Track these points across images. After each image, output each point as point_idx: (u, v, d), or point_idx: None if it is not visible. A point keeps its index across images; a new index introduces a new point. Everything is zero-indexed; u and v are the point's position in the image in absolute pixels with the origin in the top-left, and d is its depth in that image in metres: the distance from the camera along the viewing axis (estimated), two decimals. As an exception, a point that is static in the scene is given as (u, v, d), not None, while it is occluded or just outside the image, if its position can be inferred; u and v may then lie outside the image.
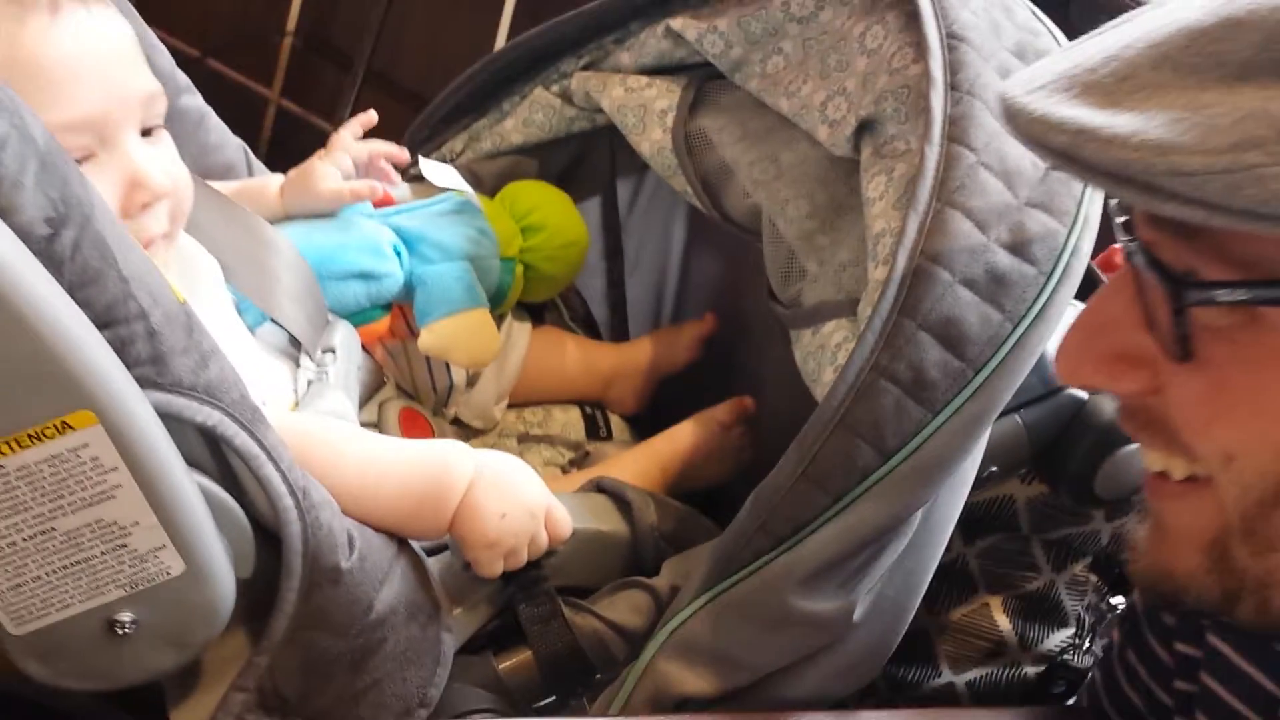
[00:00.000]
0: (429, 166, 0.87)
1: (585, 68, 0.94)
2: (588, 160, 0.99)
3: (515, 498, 0.60)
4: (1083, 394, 0.67)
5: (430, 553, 0.64)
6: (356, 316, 0.77)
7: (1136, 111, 0.38)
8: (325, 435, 0.61)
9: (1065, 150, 0.40)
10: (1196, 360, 0.43)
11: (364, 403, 0.82)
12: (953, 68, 0.65)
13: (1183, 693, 0.62)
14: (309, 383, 0.71)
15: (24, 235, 0.43)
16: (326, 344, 0.74)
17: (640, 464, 0.81)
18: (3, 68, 0.54)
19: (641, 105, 0.89)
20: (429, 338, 0.78)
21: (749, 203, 0.82)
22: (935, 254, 0.59)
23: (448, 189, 0.86)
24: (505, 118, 0.96)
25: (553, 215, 0.90)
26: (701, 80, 0.89)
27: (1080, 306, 0.68)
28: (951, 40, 0.66)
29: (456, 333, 0.78)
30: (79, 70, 0.57)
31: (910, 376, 0.58)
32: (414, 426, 0.80)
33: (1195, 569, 0.46)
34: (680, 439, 0.84)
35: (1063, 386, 0.67)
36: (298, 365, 0.71)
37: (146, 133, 0.61)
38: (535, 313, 0.97)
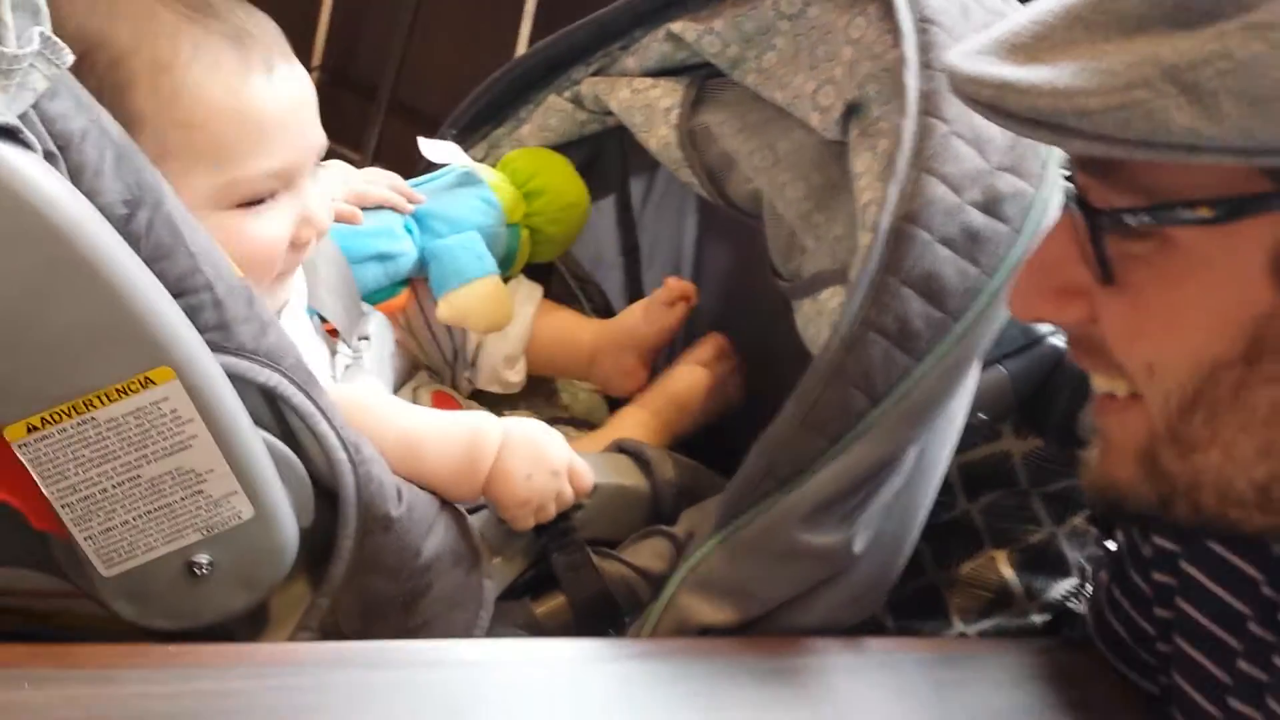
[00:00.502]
0: (428, 146, 0.91)
1: (595, 74, 1.00)
2: (601, 160, 1.06)
3: (540, 459, 0.66)
4: (1062, 344, 0.73)
5: (470, 511, 0.70)
6: (376, 295, 0.83)
7: (1049, 65, 0.44)
8: (371, 405, 0.67)
9: (991, 102, 0.46)
10: (1121, 285, 0.49)
11: (398, 389, 0.89)
12: (925, 48, 0.70)
13: (1162, 619, 0.68)
14: (345, 368, 0.78)
15: (106, 215, 0.50)
16: (362, 333, 0.81)
17: (639, 417, 0.87)
18: (222, 114, 0.62)
19: (648, 105, 0.95)
20: (446, 309, 0.84)
21: (750, 188, 0.88)
22: (915, 216, 0.65)
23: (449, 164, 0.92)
24: (522, 124, 1.03)
25: (553, 179, 0.95)
26: (702, 79, 0.95)
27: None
28: (923, 24, 0.72)
29: (471, 301, 0.84)
30: (286, 124, 0.65)
31: (896, 328, 0.64)
32: (445, 408, 0.86)
33: (1132, 477, 0.52)
34: (670, 387, 0.90)
35: (1043, 337, 0.73)
36: (334, 353, 0.78)
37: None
38: (554, 301, 1.03)
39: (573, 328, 0.98)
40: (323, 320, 0.79)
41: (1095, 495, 0.55)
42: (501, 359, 0.94)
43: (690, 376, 0.91)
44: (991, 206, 0.66)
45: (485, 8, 2.48)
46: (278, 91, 0.65)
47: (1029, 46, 0.46)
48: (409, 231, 0.85)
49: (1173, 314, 0.48)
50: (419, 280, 0.90)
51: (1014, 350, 0.72)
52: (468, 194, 0.89)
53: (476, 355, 0.94)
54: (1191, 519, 0.51)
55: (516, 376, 0.95)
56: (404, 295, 0.87)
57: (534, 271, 1.04)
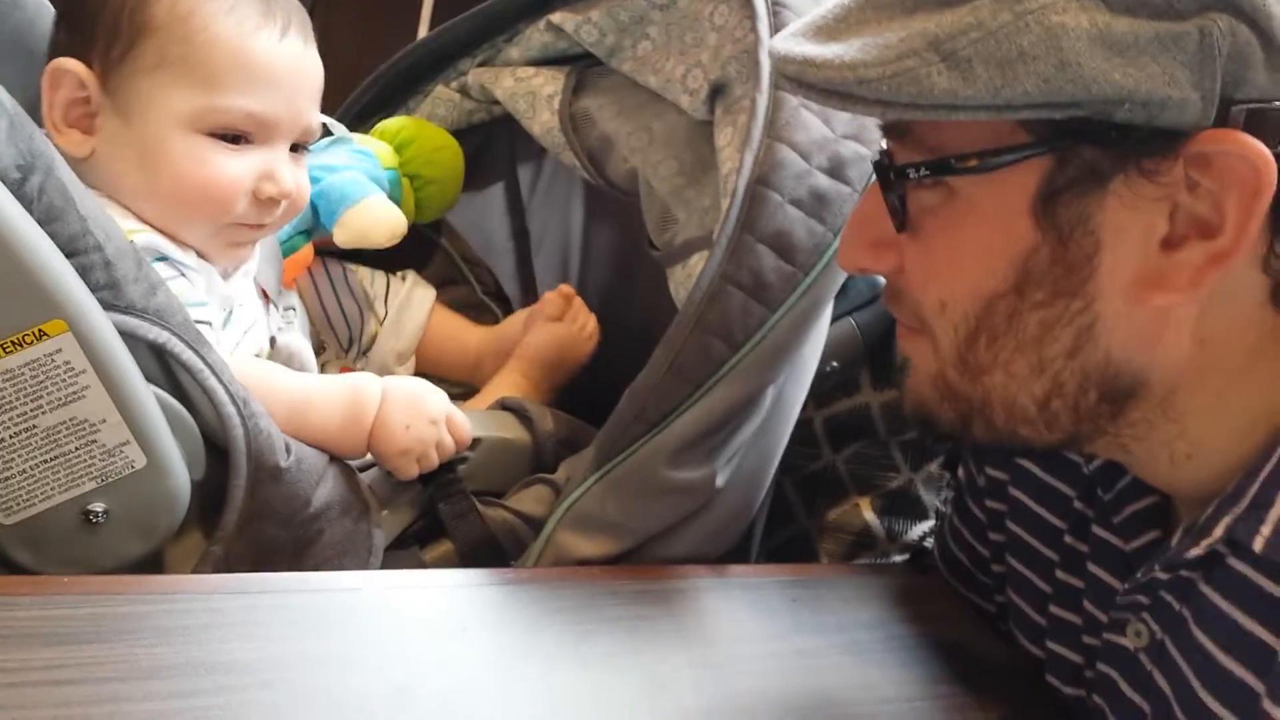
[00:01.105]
0: None
1: (480, 65, 1.05)
2: (489, 149, 1.10)
3: (418, 410, 0.71)
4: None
5: (361, 470, 0.74)
6: (284, 246, 0.87)
7: (842, 42, 0.50)
8: (258, 372, 0.71)
9: (796, 76, 0.52)
10: (916, 233, 0.56)
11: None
12: (777, 29, 0.77)
13: (996, 543, 0.74)
14: (279, 329, 0.82)
15: (1, 179, 0.53)
16: (288, 303, 0.85)
17: (509, 380, 0.92)
18: (223, 45, 0.69)
19: (530, 93, 1.00)
20: (341, 232, 0.87)
21: (628, 168, 0.93)
22: (767, 180, 0.71)
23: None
24: (411, 114, 1.07)
25: (418, 130, 0.99)
26: (582, 68, 1.00)
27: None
28: (776, 6, 0.78)
29: (364, 217, 0.87)
30: (278, 79, 0.72)
31: (752, 281, 0.69)
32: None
33: (932, 399, 0.58)
34: (530, 348, 0.95)
35: (888, 291, 0.79)
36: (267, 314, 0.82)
37: (295, 149, 0.76)
38: (446, 284, 1.07)
39: (461, 333, 1.03)
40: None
41: (911, 415, 0.61)
42: (393, 355, 0.99)
43: (545, 333, 0.97)
44: (836, 170, 0.72)
45: (382, 13, 2.51)
46: (281, 50, 0.72)
47: (830, 28, 0.52)
48: None
49: (956, 255, 0.54)
50: (315, 261, 0.94)
51: (861, 304, 0.79)
52: (339, 149, 0.94)
53: (370, 347, 0.98)
54: (989, 437, 0.57)
55: (405, 373, 0.99)
56: (308, 250, 0.90)
57: (431, 256, 1.09)
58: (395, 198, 0.96)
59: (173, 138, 0.69)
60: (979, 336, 0.54)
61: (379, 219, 0.89)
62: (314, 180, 0.89)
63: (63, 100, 0.70)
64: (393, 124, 1.01)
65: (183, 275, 0.70)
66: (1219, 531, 0.52)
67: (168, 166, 0.70)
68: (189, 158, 0.70)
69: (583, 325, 0.98)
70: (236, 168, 0.72)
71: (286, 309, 0.85)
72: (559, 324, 0.97)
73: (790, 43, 0.53)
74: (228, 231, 0.74)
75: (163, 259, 0.70)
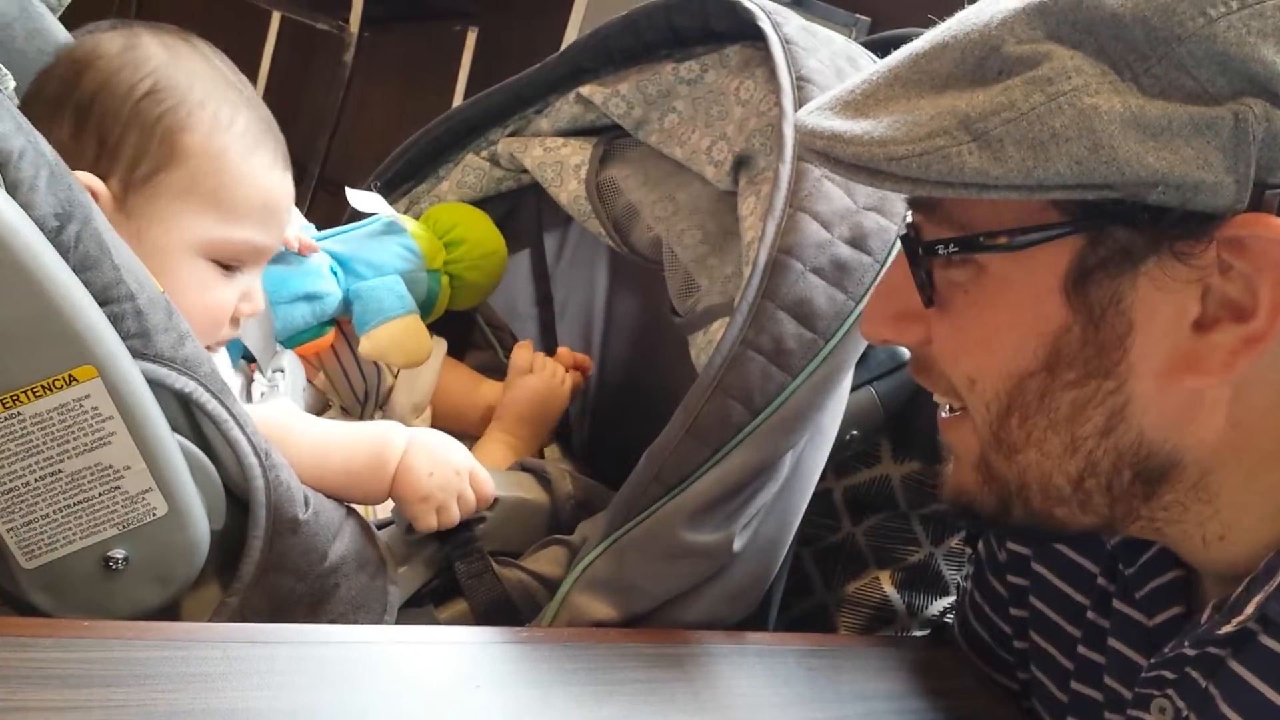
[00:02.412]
0: (355, 195, 0.98)
1: (510, 135, 1.08)
2: (516, 216, 1.12)
3: (442, 460, 0.71)
4: (926, 366, 0.80)
5: (379, 528, 0.74)
6: (303, 334, 0.88)
7: (871, 119, 0.51)
8: (281, 420, 0.72)
9: (824, 151, 0.52)
10: (944, 308, 0.56)
11: (312, 418, 0.93)
12: (801, 104, 0.78)
13: (1018, 618, 0.74)
14: (261, 394, 0.82)
15: (39, 227, 0.54)
16: (276, 365, 0.86)
17: (499, 440, 0.94)
18: (248, 181, 0.72)
19: (559, 162, 1.02)
20: (368, 344, 0.89)
21: (652, 236, 0.95)
22: (789, 249, 0.72)
23: (374, 213, 0.98)
24: (441, 181, 1.09)
25: (472, 229, 1.01)
26: (609, 139, 1.03)
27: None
28: (801, 82, 0.80)
29: (392, 337, 0.89)
30: (280, 214, 0.76)
31: (772, 347, 0.70)
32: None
33: (973, 483, 0.58)
34: (511, 406, 0.97)
35: (908, 360, 0.79)
36: (250, 381, 0.83)
37: None
38: (468, 348, 1.09)
39: (472, 385, 1.04)
40: (243, 356, 0.84)
41: (951, 504, 0.61)
42: (410, 407, 1.00)
43: (521, 389, 0.98)
44: (858, 241, 0.73)
45: (418, 84, 2.57)
46: (284, 186, 0.76)
47: (858, 103, 0.53)
48: (334, 275, 0.91)
49: (986, 332, 0.54)
50: (344, 319, 0.95)
51: (882, 373, 0.79)
52: (390, 241, 0.95)
53: (387, 399, 0.99)
54: (1028, 520, 0.57)
55: (422, 425, 1.00)
56: (330, 335, 0.92)
57: (455, 320, 1.10)
58: (434, 294, 0.98)
59: (183, 261, 0.71)
60: (1011, 414, 0.54)
61: (404, 345, 0.91)
62: (358, 275, 0.91)
63: None
64: (447, 215, 1.02)
65: None
66: (1251, 609, 0.51)
67: (173, 287, 0.67)
68: (193, 282, 0.71)
69: (553, 373, 0.99)
70: (228, 294, 0.74)
71: (275, 371, 0.85)
72: (531, 377, 0.98)
73: (817, 117, 0.54)
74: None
75: None
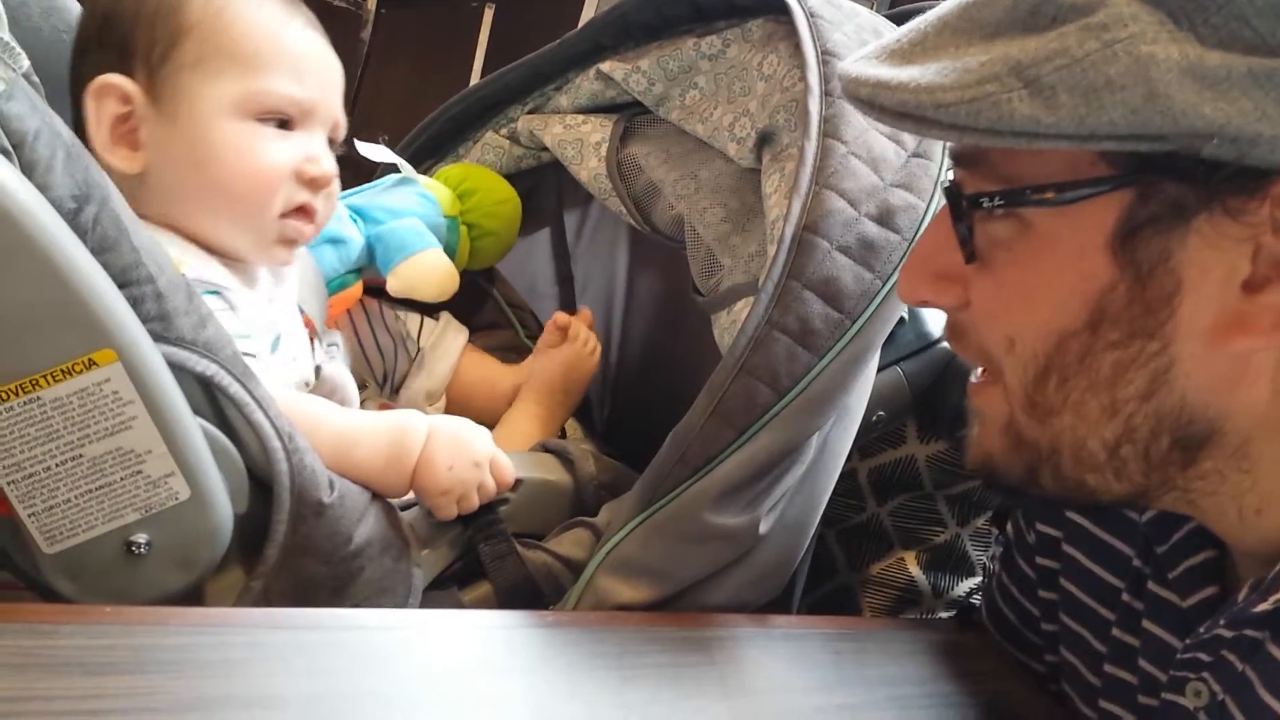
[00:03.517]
0: (366, 148, 0.97)
1: (530, 112, 1.06)
2: (536, 195, 1.11)
3: (462, 451, 0.70)
4: (954, 346, 0.79)
5: (402, 509, 0.73)
6: (333, 283, 0.88)
7: (919, 66, 0.50)
8: (304, 407, 0.71)
9: (869, 99, 0.51)
10: (985, 266, 0.54)
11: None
12: (827, 78, 0.77)
13: (1047, 600, 0.73)
14: (324, 360, 0.83)
15: (56, 209, 0.54)
16: (330, 340, 0.86)
17: (527, 410, 0.94)
18: (262, 33, 0.72)
19: (579, 139, 1.01)
20: (395, 281, 0.89)
21: (673, 214, 0.94)
22: (815, 227, 0.71)
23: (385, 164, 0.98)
24: (461, 159, 1.08)
25: (482, 180, 1.01)
26: (630, 116, 1.01)
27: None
28: (826, 56, 0.78)
29: (418, 271, 0.89)
30: (315, 66, 0.75)
31: (798, 327, 0.69)
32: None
33: (1001, 448, 0.57)
34: (540, 376, 0.97)
35: (936, 340, 0.78)
36: (314, 337, 0.84)
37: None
38: (488, 327, 1.08)
39: (493, 374, 1.03)
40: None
41: (976, 469, 0.60)
42: (424, 395, 0.99)
43: (549, 359, 0.98)
44: (885, 218, 0.72)
45: (435, 62, 2.56)
46: (312, 40, 0.75)
47: (905, 51, 0.52)
48: (354, 222, 0.91)
49: (1028, 290, 0.53)
50: (367, 298, 0.95)
51: (909, 353, 0.78)
52: (405, 191, 0.96)
53: (401, 385, 0.99)
54: (1056, 488, 0.55)
55: (435, 413, 0.99)
56: (357, 288, 0.91)
57: (476, 299, 1.09)
58: (452, 244, 0.97)
59: (220, 126, 0.71)
60: (1049, 376, 0.53)
61: (432, 275, 0.91)
62: (376, 221, 0.91)
63: (108, 117, 0.71)
64: (456, 171, 1.02)
65: (231, 309, 0.71)
66: None
67: (217, 155, 0.71)
68: (236, 144, 0.71)
69: (584, 342, 0.99)
70: (280, 151, 0.73)
71: (330, 345, 0.85)
72: (561, 347, 0.98)
73: (862, 65, 0.53)
74: (277, 226, 0.75)
75: (214, 293, 0.70)
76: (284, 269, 0.81)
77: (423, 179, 0.98)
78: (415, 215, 0.92)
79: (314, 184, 0.75)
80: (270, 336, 0.76)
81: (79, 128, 0.73)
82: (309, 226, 0.77)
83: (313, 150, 0.75)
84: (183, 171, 0.72)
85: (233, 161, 0.71)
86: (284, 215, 0.74)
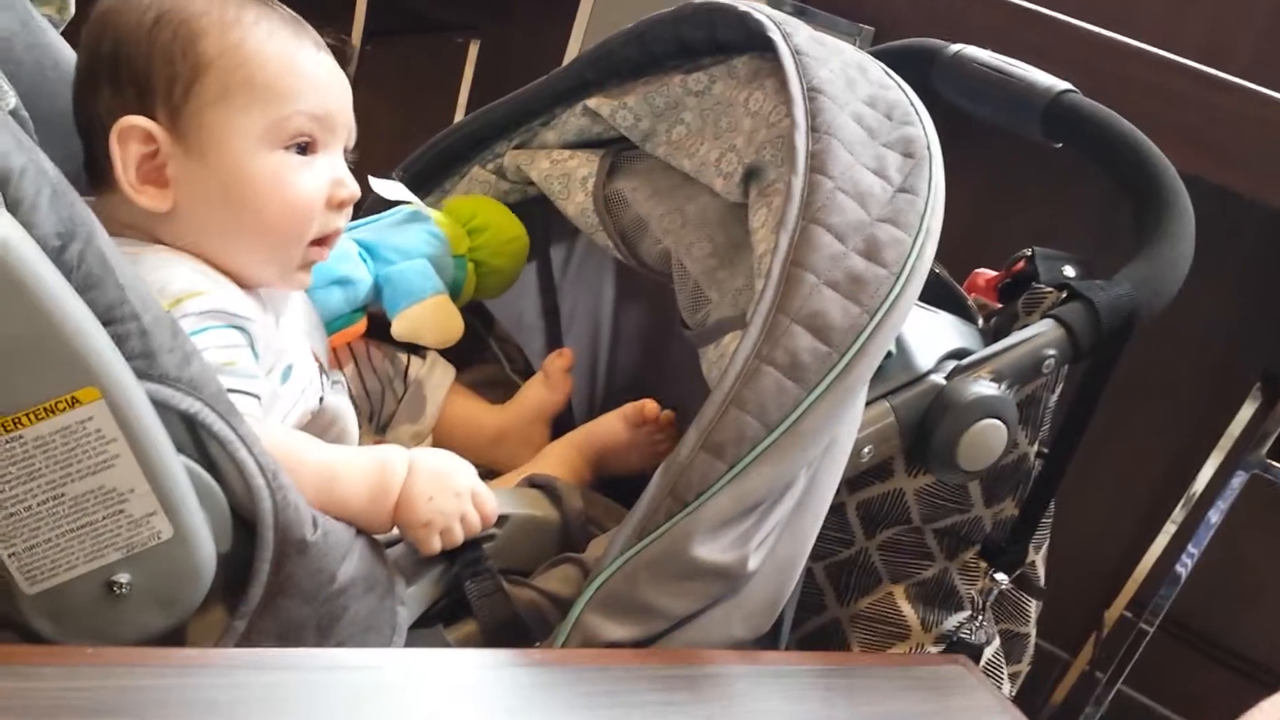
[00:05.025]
0: (378, 184, 0.98)
1: (516, 147, 1.07)
2: (523, 229, 1.11)
3: (442, 482, 0.70)
4: (941, 380, 0.79)
5: (387, 546, 0.73)
6: (339, 321, 0.88)
7: None
8: (287, 444, 0.70)
9: None
10: None
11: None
12: (813, 114, 0.77)
13: None
14: (321, 396, 0.83)
15: (41, 247, 0.53)
16: (334, 378, 0.86)
17: (564, 452, 0.91)
18: (277, 61, 0.73)
19: (565, 174, 1.01)
20: (400, 324, 0.90)
21: (660, 248, 0.94)
22: (803, 261, 0.71)
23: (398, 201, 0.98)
24: (447, 194, 1.08)
25: (493, 216, 1.01)
26: (616, 151, 1.02)
27: (927, 308, 0.81)
28: (812, 92, 0.78)
29: (424, 316, 0.90)
30: (329, 83, 0.77)
31: (787, 361, 0.69)
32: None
33: None
34: (595, 432, 0.95)
35: (925, 374, 0.78)
36: (321, 369, 0.85)
37: None
38: (474, 362, 1.08)
39: (478, 415, 1.03)
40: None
41: None
42: (409, 434, 0.99)
43: (613, 426, 0.98)
44: (872, 253, 0.72)
45: (420, 97, 2.56)
46: (322, 61, 0.77)
47: None
48: (364, 260, 0.91)
49: None
50: (355, 341, 0.95)
51: (897, 387, 0.78)
52: (416, 228, 0.96)
53: (388, 424, 0.98)
54: None
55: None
56: (361, 324, 0.92)
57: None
58: (459, 281, 0.98)
59: (253, 160, 0.72)
60: None
61: (436, 324, 0.92)
62: (387, 261, 0.91)
63: (134, 157, 0.71)
64: (468, 205, 1.03)
65: (252, 345, 0.71)
66: None
67: (253, 190, 0.73)
68: (271, 177, 0.73)
69: (658, 442, 0.99)
70: (312, 180, 0.75)
71: (334, 383, 0.86)
72: (628, 425, 0.98)
73: None
74: (305, 252, 0.77)
75: (239, 328, 0.71)
76: (288, 297, 0.81)
77: (434, 213, 0.99)
78: (424, 255, 0.93)
79: (342, 205, 0.77)
80: (283, 366, 0.76)
81: (93, 167, 0.74)
82: (326, 250, 0.79)
83: (338, 173, 0.77)
84: (216, 206, 0.73)
85: (272, 195, 0.73)
86: (310, 243, 0.76)
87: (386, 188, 0.98)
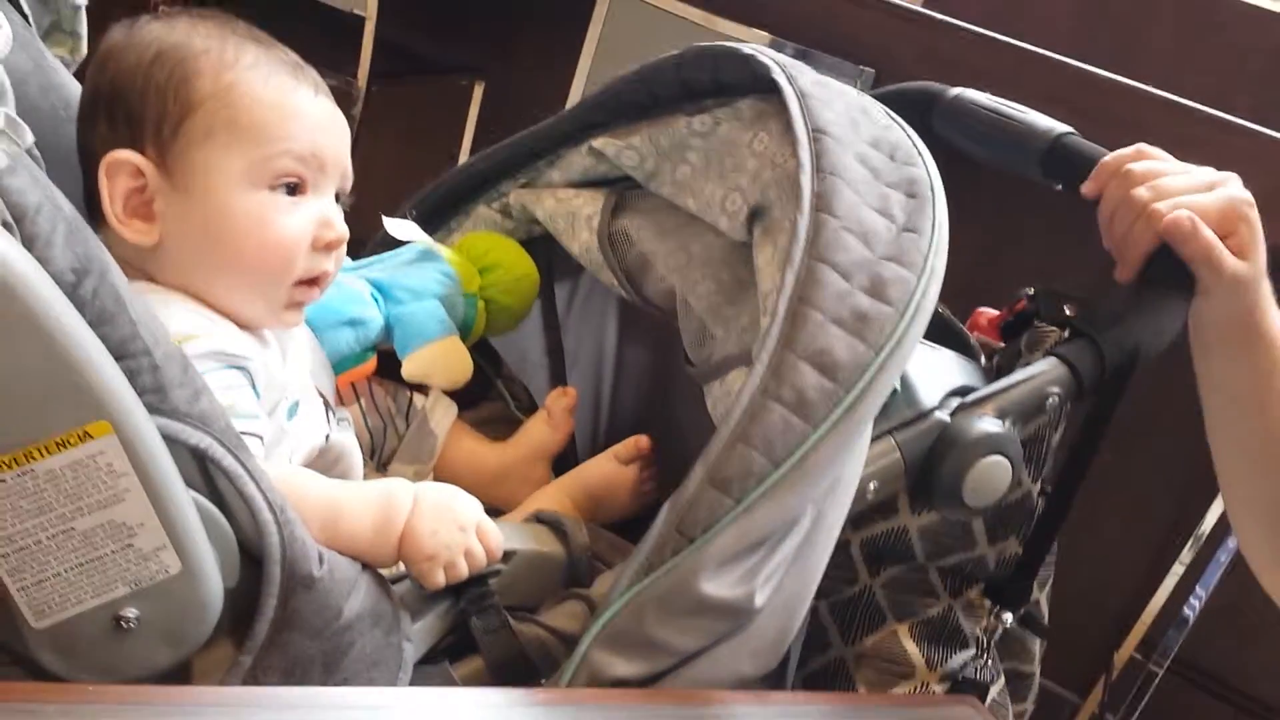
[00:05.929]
0: (391, 224, 0.99)
1: (522, 186, 1.07)
2: (528, 267, 1.12)
3: (446, 517, 0.70)
4: (945, 416, 0.79)
5: (393, 582, 0.73)
6: (349, 360, 0.89)
7: None
8: (293, 479, 0.71)
9: None
10: None
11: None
12: (818, 155, 0.78)
13: None
14: (327, 434, 0.83)
15: (56, 282, 0.54)
16: (340, 415, 0.87)
17: (554, 496, 0.91)
18: (267, 105, 0.73)
19: (570, 213, 1.02)
20: (410, 366, 0.90)
21: (665, 286, 0.95)
22: (809, 299, 0.71)
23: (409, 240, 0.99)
24: (453, 234, 1.09)
25: (505, 255, 1.02)
26: (621, 190, 1.03)
27: (930, 345, 0.82)
28: (817, 134, 0.79)
29: (434, 358, 0.91)
30: (322, 126, 0.77)
31: (793, 397, 0.69)
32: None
33: None
34: (586, 474, 0.96)
35: (929, 410, 0.79)
36: (327, 407, 0.85)
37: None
38: (480, 400, 1.08)
39: (480, 452, 1.03)
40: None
41: None
42: (411, 473, 0.99)
43: (606, 467, 0.98)
44: (877, 291, 0.72)
45: (423, 139, 2.59)
46: (319, 104, 0.77)
47: None
48: (375, 301, 0.91)
49: None
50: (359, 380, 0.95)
51: (902, 424, 0.78)
52: (427, 267, 0.96)
53: (389, 461, 0.99)
54: None
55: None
56: (371, 363, 0.92)
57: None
58: (470, 319, 0.98)
59: (235, 199, 0.73)
60: None
61: (446, 365, 0.93)
62: (398, 301, 0.92)
63: (121, 191, 0.72)
64: (480, 242, 1.03)
65: (253, 385, 0.72)
66: None
67: (233, 228, 0.73)
68: (252, 216, 0.73)
69: (645, 479, 0.99)
70: (296, 221, 0.75)
71: (340, 420, 0.86)
72: (621, 465, 0.98)
73: None
74: (291, 292, 0.77)
75: (239, 368, 0.71)
76: (294, 333, 0.82)
77: (445, 251, 0.99)
78: (436, 295, 0.93)
79: (329, 247, 0.77)
80: (288, 403, 0.76)
81: (90, 200, 0.74)
82: (317, 291, 0.78)
83: (325, 214, 0.76)
84: (200, 243, 0.73)
85: (252, 234, 0.73)
86: (297, 283, 0.76)
87: (399, 227, 0.99)
